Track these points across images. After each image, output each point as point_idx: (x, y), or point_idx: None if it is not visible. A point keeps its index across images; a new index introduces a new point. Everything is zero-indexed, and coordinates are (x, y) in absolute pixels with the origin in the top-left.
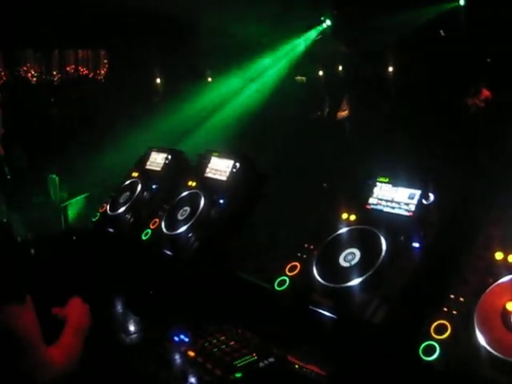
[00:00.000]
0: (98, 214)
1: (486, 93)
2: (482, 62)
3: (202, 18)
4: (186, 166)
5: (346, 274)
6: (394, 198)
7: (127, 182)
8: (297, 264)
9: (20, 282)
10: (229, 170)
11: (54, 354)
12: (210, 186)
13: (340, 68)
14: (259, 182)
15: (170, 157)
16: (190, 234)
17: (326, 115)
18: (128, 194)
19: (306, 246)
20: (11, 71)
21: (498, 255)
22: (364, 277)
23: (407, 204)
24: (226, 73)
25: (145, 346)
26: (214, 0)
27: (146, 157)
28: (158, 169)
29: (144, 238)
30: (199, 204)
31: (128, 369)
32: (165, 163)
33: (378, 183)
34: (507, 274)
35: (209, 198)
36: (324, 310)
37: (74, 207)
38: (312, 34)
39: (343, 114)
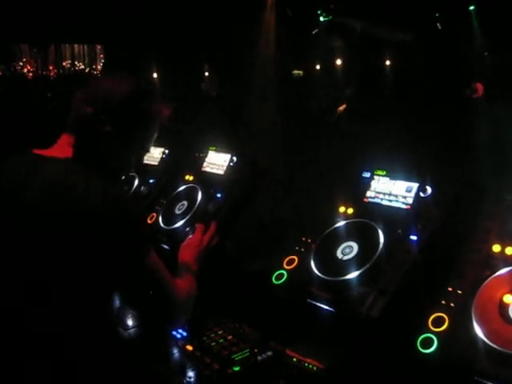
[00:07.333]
0: None
1: (480, 87)
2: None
3: None
4: (183, 160)
5: (344, 267)
6: (392, 191)
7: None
8: (295, 258)
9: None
10: (226, 164)
11: (179, 284)
12: (207, 180)
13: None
14: (256, 176)
15: (166, 151)
16: (188, 229)
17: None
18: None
19: (303, 239)
20: (7, 66)
21: (496, 248)
22: (362, 270)
23: (405, 197)
24: None
25: (143, 340)
26: None
27: None
28: (155, 163)
29: None
30: (196, 198)
31: (126, 363)
32: (162, 158)
33: (375, 176)
34: (504, 267)
35: (206, 192)
36: (322, 303)
37: None
38: None
39: (341, 108)
